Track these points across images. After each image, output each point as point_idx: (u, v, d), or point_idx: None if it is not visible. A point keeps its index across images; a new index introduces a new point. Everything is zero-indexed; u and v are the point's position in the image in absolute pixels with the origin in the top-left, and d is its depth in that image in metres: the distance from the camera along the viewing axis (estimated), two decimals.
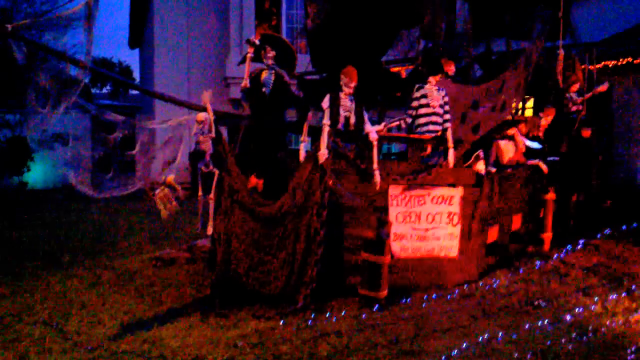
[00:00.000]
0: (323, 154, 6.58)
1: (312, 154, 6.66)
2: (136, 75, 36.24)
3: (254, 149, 7.28)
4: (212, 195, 6.64)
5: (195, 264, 8.19)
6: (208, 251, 7.60)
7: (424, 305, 6.75)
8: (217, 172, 6.59)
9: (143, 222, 11.31)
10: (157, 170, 6.57)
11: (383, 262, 6.64)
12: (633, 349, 5.47)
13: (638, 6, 16.84)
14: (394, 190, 7.33)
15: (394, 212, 7.33)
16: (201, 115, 6.40)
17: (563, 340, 5.63)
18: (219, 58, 17.11)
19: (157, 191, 6.26)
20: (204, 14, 17.36)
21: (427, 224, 7.51)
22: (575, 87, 10.69)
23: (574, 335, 5.77)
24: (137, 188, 6.56)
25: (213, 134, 6.44)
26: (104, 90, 36.39)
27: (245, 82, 7.31)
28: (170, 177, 6.31)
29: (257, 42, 7.31)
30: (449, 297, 7.05)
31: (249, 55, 7.33)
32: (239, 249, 6.74)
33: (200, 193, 6.71)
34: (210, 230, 6.74)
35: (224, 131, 6.99)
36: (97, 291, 7.18)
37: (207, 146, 6.46)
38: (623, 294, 7.09)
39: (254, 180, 6.99)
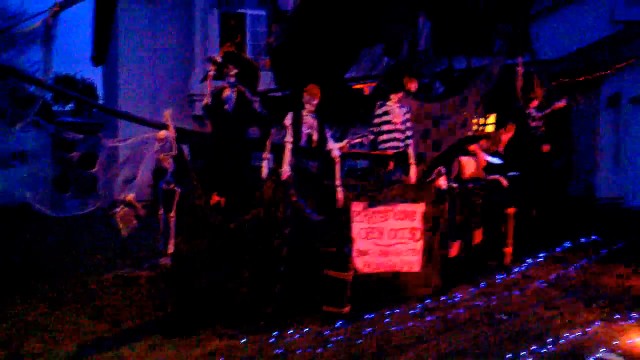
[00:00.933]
0: (286, 171, 6.61)
1: (275, 171, 6.68)
2: (100, 92, 35.90)
3: (216, 166, 7.25)
4: (173, 213, 6.60)
5: (158, 283, 8.09)
6: (170, 269, 7.52)
7: (387, 320, 6.77)
8: (178, 189, 6.56)
9: (104, 240, 11.14)
10: (117, 189, 6.51)
11: (346, 278, 6.67)
12: (592, 359, 5.58)
13: (594, 24, 17.34)
14: (356, 207, 7.36)
15: (356, 228, 7.36)
16: (162, 133, 6.38)
17: (523, 353, 5.71)
18: (184, 75, 17.06)
19: (117, 210, 6.20)
20: (169, 31, 17.29)
21: (390, 239, 7.55)
22: (535, 103, 10.90)
23: (534, 347, 5.84)
24: (97, 207, 6.49)
25: (174, 152, 6.41)
26: (67, 108, 35.91)
27: (207, 100, 7.30)
28: (131, 196, 6.27)
29: (218, 60, 7.32)
30: (412, 311, 7.08)
31: (210, 73, 7.33)
32: (201, 267, 6.68)
33: (161, 211, 6.67)
34: (172, 249, 6.69)
35: (185, 149, 6.97)
36: (57, 311, 7.06)
37: (169, 164, 6.43)
38: (582, 306, 7.22)
39: (216, 198, 6.96)
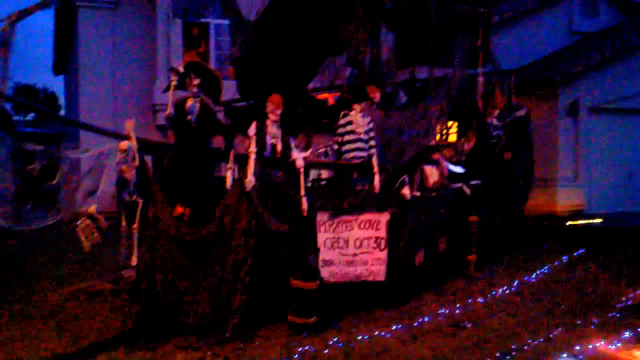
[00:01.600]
0: (250, 181, 6.58)
1: (239, 181, 6.65)
2: (62, 102, 35.39)
3: (179, 177, 7.19)
4: (136, 225, 6.52)
5: (121, 296, 7.97)
6: (133, 282, 7.43)
7: (353, 330, 6.78)
8: (141, 201, 6.48)
9: (65, 254, 10.94)
10: (79, 201, 6.40)
11: (312, 288, 6.66)
12: None
13: (554, 35, 17.74)
14: (321, 217, 7.37)
15: (322, 238, 7.37)
16: (124, 144, 6.29)
17: None
18: (147, 84, 16.87)
19: (78, 222, 6.10)
20: (131, 40, 17.11)
21: (355, 249, 7.58)
22: (496, 112, 11.07)
23: (498, 354, 5.90)
24: (58, 219, 6.37)
25: (137, 163, 6.33)
26: (29, 118, 35.32)
27: (169, 110, 7.25)
28: (92, 208, 6.17)
29: (181, 69, 7.28)
30: (377, 321, 7.11)
31: (172, 83, 7.28)
32: (165, 279, 6.61)
33: (123, 223, 6.58)
34: (134, 261, 6.60)
35: (148, 160, 6.89)
36: (17, 327, 6.89)
37: (131, 175, 6.34)
38: (544, 312, 7.33)
39: (180, 209, 6.91)
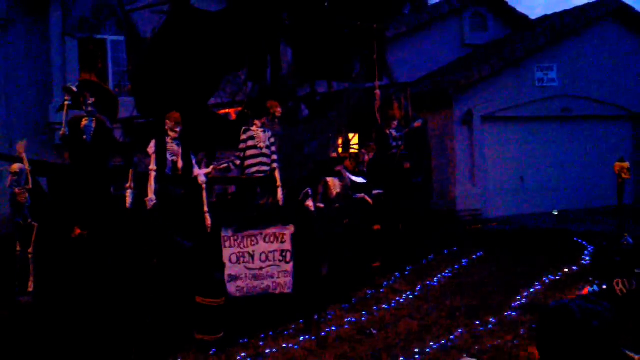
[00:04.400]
0: (150, 199, 6.51)
1: (140, 200, 6.56)
2: None
3: (76, 198, 7.00)
4: (31, 249, 6.30)
5: (19, 324, 7.62)
6: (31, 309, 7.13)
7: (261, 343, 6.79)
8: (36, 225, 6.27)
9: None
10: None
11: (218, 305, 6.64)
12: None
13: (448, 48, 18.49)
14: (226, 232, 7.37)
15: (227, 253, 7.36)
16: (15, 167, 6.09)
17: None
18: (42, 104, 16.29)
19: None
20: (25, 59, 16.40)
21: (261, 262, 7.61)
22: (394, 123, 11.41)
23: (402, 358, 6.07)
24: None
25: (30, 185, 6.14)
26: None
27: (64, 130, 7.07)
28: None
29: (74, 89, 7.12)
30: (286, 332, 7.15)
31: (66, 102, 7.11)
32: (65, 304, 6.41)
33: (18, 248, 6.34)
34: (31, 286, 6.37)
35: (43, 181, 6.68)
36: None
37: (24, 198, 6.14)
38: (445, 315, 7.58)
39: (78, 231, 6.72)
